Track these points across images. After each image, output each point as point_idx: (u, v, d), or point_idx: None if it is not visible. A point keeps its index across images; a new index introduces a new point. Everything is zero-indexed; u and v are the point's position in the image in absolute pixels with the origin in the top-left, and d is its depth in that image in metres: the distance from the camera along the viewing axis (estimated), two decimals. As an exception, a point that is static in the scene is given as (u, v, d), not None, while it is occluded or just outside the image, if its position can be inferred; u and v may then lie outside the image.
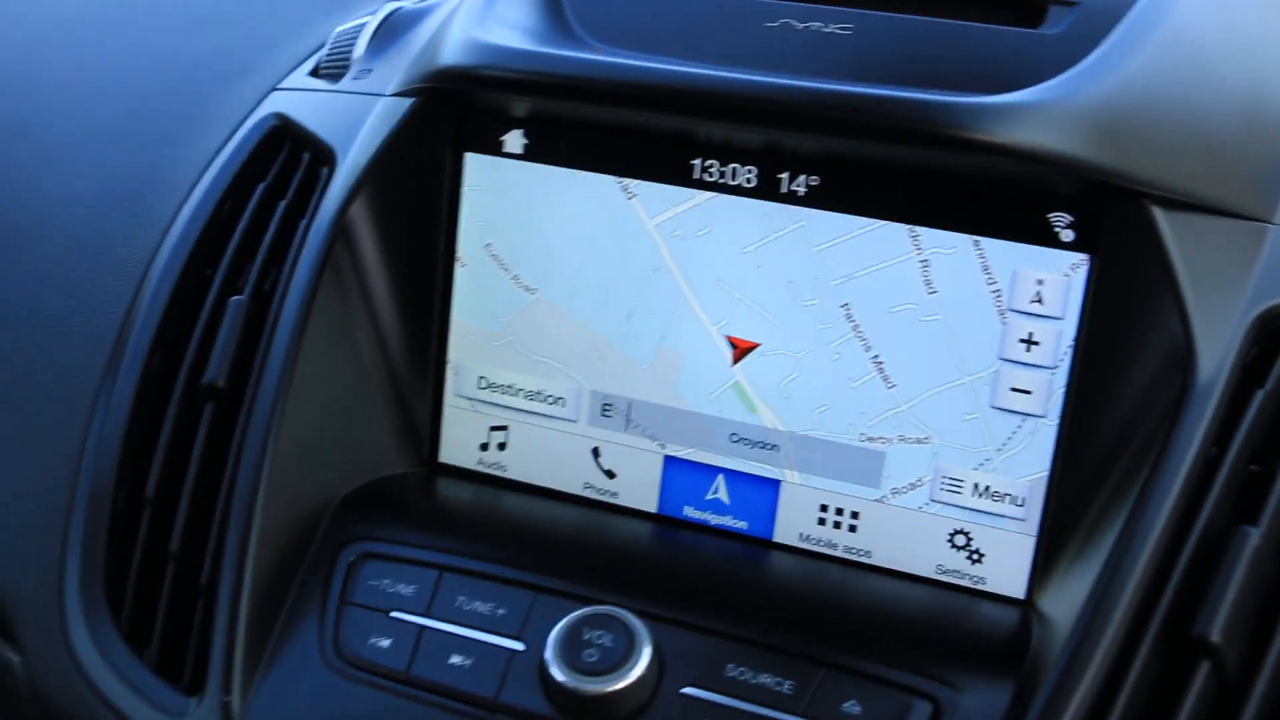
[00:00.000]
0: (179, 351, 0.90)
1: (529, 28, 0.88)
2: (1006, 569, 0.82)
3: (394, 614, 0.81)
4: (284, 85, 1.05)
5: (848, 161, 0.82)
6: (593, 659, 0.75)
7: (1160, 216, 0.76)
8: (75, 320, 0.95)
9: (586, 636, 0.76)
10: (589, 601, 0.78)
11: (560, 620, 0.77)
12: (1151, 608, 0.71)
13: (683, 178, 0.85)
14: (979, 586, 0.83)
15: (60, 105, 1.10)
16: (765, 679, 0.75)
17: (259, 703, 0.78)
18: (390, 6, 1.06)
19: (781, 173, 0.83)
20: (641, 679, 0.75)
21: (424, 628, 0.80)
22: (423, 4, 1.06)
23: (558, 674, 0.75)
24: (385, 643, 0.79)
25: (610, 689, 0.74)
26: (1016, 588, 0.82)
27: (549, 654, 0.76)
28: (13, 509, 0.90)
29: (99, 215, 1.00)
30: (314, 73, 1.06)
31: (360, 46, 1.03)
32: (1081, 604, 0.73)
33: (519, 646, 0.78)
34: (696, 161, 0.85)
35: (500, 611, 0.79)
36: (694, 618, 0.78)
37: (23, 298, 0.98)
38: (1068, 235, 0.79)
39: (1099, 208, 0.78)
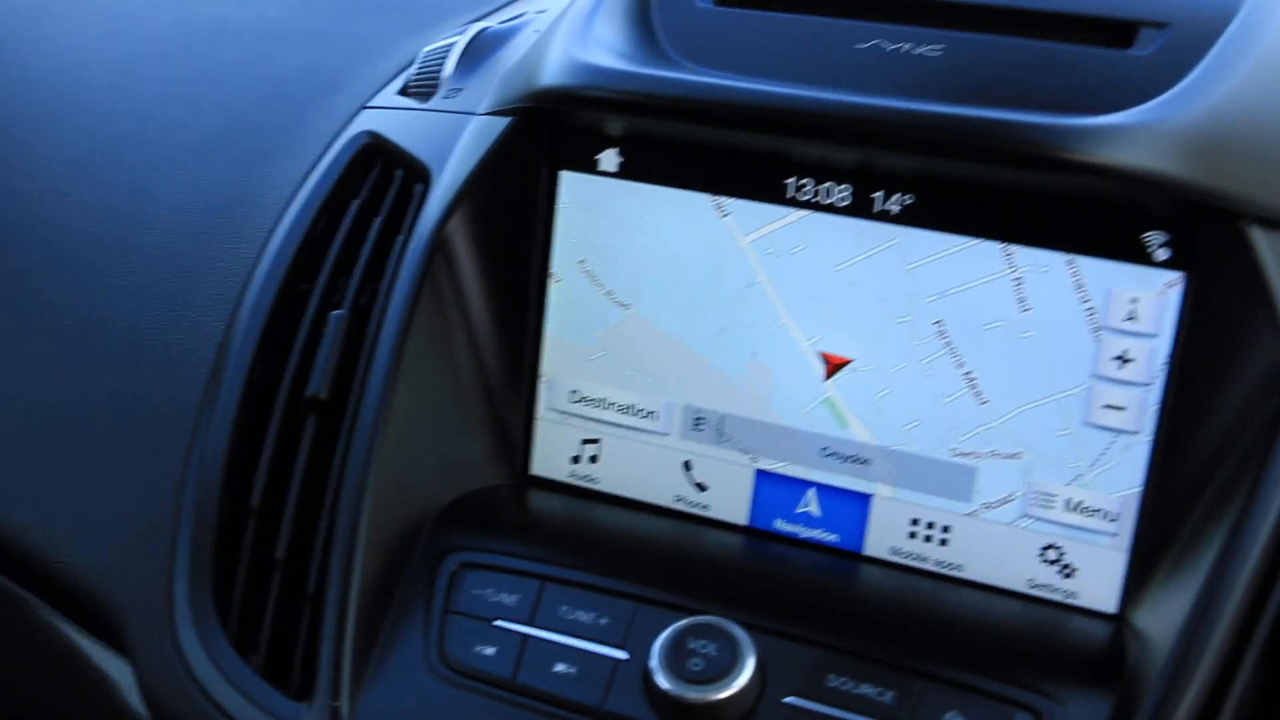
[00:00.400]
0: (279, 365, 0.92)
1: (622, 49, 0.90)
2: (1098, 584, 0.83)
3: (497, 623, 0.82)
4: (373, 104, 1.07)
5: (942, 181, 0.83)
6: (698, 668, 0.76)
7: (1258, 236, 0.77)
8: (176, 335, 0.97)
9: (691, 646, 0.77)
10: (690, 612, 0.80)
11: (663, 630, 0.78)
12: (1255, 622, 0.72)
13: (776, 196, 0.87)
14: (1071, 601, 0.83)
15: (154, 125, 1.12)
16: (866, 689, 0.76)
17: (366, 708, 0.80)
18: (477, 27, 1.08)
19: (875, 192, 0.85)
20: (746, 688, 0.76)
21: (528, 636, 0.81)
22: (508, 24, 1.08)
23: (663, 682, 0.76)
24: (490, 651, 0.81)
25: (715, 697, 0.75)
26: (1109, 603, 0.82)
27: (654, 662, 0.77)
28: (121, 521, 0.92)
29: (195, 232, 1.02)
30: (403, 91, 1.08)
31: (449, 66, 1.05)
32: (1180, 620, 0.74)
33: (623, 655, 0.80)
34: (790, 180, 0.86)
35: (603, 621, 0.81)
36: (794, 628, 0.79)
37: (124, 315, 1.00)
38: (1162, 254, 0.80)
39: (1194, 227, 0.79)
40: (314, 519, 0.86)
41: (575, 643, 0.80)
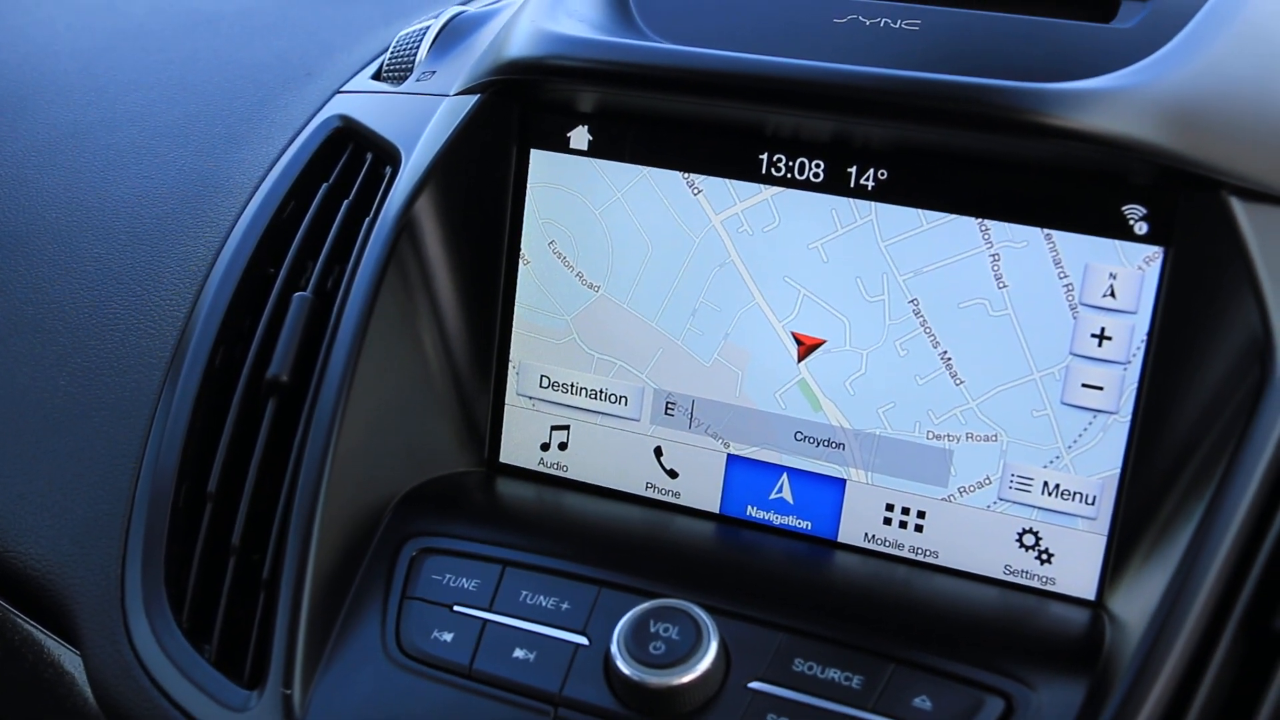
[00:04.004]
0: (241, 349, 0.90)
1: (595, 21, 0.88)
2: (1076, 569, 0.80)
3: (457, 608, 0.80)
4: (347, 88, 1.06)
5: (917, 154, 0.81)
6: (659, 651, 0.74)
7: (1238, 207, 0.75)
8: (138, 319, 0.95)
9: (653, 629, 0.74)
10: (653, 596, 0.77)
11: (625, 614, 0.76)
12: (1230, 603, 0.70)
13: (750, 172, 0.85)
14: (1048, 587, 0.81)
15: (126, 110, 1.11)
16: (834, 674, 0.74)
17: (320, 696, 0.78)
18: (452, 10, 1.06)
19: (850, 166, 0.83)
20: (709, 672, 0.73)
21: (487, 622, 0.79)
22: (484, 9, 1.06)
23: (623, 667, 0.74)
24: (448, 637, 0.79)
25: (677, 681, 0.73)
26: (1087, 588, 0.80)
27: (614, 647, 0.75)
28: (74, 505, 0.90)
29: (163, 216, 1.00)
30: (377, 76, 1.06)
31: (423, 49, 1.03)
32: (1156, 603, 0.72)
33: (583, 641, 0.77)
34: (764, 155, 0.84)
35: (564, 606, 0.78)
36: (760, 613, 0.77)
37: (86, 297, 0.98)
38: (1142, 228, 0.77)
39: (1174, 199, 0.76)
40: (271, 505, 0.84)
41: (535, 628, 0.78)
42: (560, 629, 0.78)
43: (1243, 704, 0.68)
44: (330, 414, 0.83)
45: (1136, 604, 0.75)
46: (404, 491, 0.87)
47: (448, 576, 0.81)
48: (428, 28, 1.05)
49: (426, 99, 0.96)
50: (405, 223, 0.87)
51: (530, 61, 0.85)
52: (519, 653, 0.77)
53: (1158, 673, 0.69)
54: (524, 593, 0.80)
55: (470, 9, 1.07)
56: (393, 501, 0.86)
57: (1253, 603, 0.70)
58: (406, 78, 1.02)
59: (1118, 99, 0.75)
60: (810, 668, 0.74)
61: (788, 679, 0.74)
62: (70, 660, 0.88)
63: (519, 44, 0.87)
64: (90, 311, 0.97)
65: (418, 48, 1.04)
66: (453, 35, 1.03)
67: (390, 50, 1.06)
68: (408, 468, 0.87)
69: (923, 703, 0.72)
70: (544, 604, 0.79)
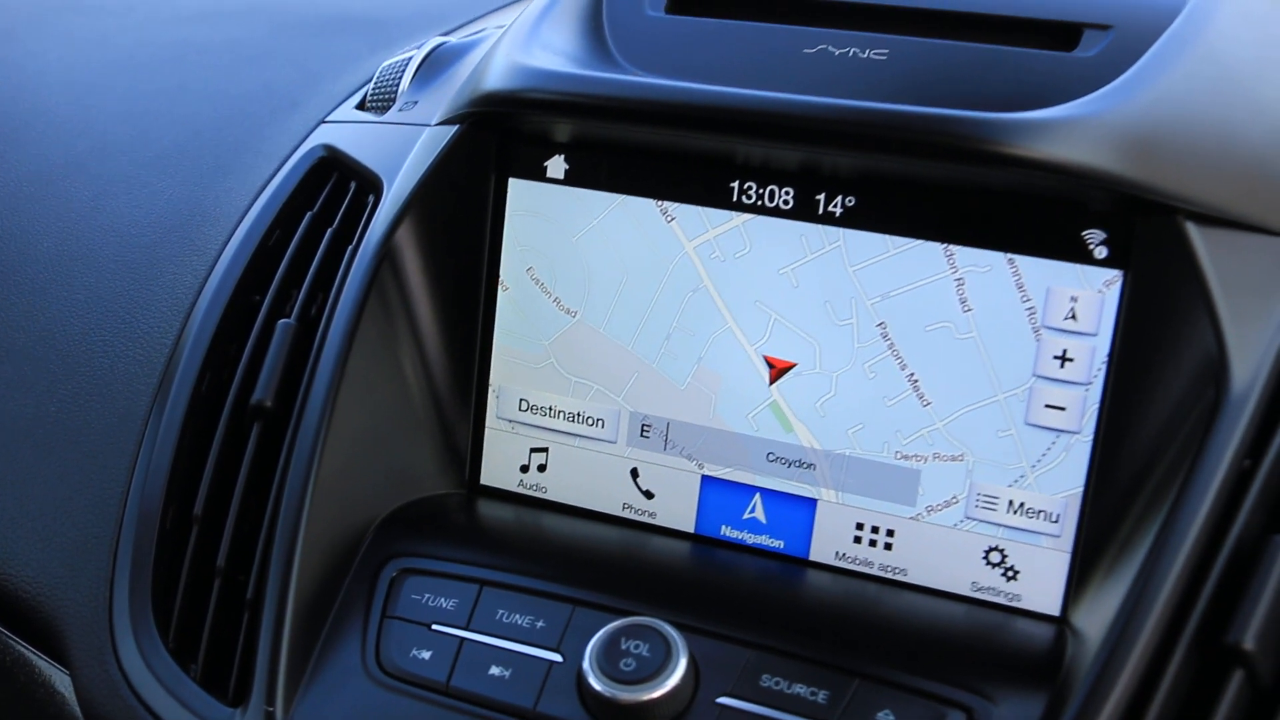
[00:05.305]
0: (227, 374, 0.92)
1: (571, 54, 0.90)
2: (1041, 586, 0.82)
3: (435, 627, 0.82)
4: (332, 118, 1.08)
5: (883, 181, 0.83)
6: (630, 668, 0.76)
7: (1193, 231, 0.77)
8: (127, 346, 0.97)
9: (624, 646, 0.76)
10: (626, 614, 0.79)
11: (597, 632, 0.77)
12: (1184, 618, 0.72)
13: (722, 200, 0.87)
14: (1014, 604, 0.83)
15: (116, 140, 1.13)
16: (800, 689, 0.76)
17: (302, 713, 0.80)
18: (435, 41, 1.09)
19: (819, 193, 0.85)
20: (678, 687, 0.75)
21: (464, 640, 0.81)
22: (466, 39, 1.08)
23: (595, 683, 0.76)
24: (426, 655, 0.81)
25: (646, 697, 0.75)
26: (1051, 604, 0.82)
27: (586, 664, 0.77)
28: (64, 526, 0.92)
29: (151, 244, 1.02)
30: (361, 106, 1.08)
31: (406, 80, 1.05)
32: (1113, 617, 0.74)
33: (557, 658, 0.79)
34: (735, 184, 0.86)
35: (539, 624, 0.80)
36: (729, 629, 0.79)
37: (77, 324, 1.00)
38: (1101, 252, 0.80)
39: (1131, 224, 0.79)
40: (256, 527, 0.86)
41: (511, 645, 0.80)
42: (535, 646, 0.80)
43: (1197, 717, 0.70)
44: (312, 438, 0.85)
45: (1097, 619, 0.77)
46: (386, 513, 0.89)
47: (426, 596, 0.83)
48: (410, 59, 1.07)
49: (408, 129, 0.98)
50: (386, 251, 0.90)
51: (505, 94, 0.88)
52: (495, 670, 0.79)
53: (1113, 685, 0.71)
54: (500, 611, 0.82)
55: (452, 40, 1.09)
56: (374, 523, 0.88)
57: (1206, 618, 0.72)
58: (389, 108, 1.05)
59: (1074, 128, 0.77)
60: (777, 683, 0.76)
61: (755, 694, 0.76)
62: (61, 680, 0.90)
63: (494, 77, 0.89)
64: (80, 338, 0.99)
65: (400, 78, 1.06)
66: (434, 66, 1.05)
67: (374, 80, 1.08)
68: (389, 490, 0.89)
69: (885, 716, 0.74)
70: (520, 622, 0.81)
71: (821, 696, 0.75)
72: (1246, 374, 0.76)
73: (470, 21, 1.24)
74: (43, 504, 0.94)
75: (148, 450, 0.91)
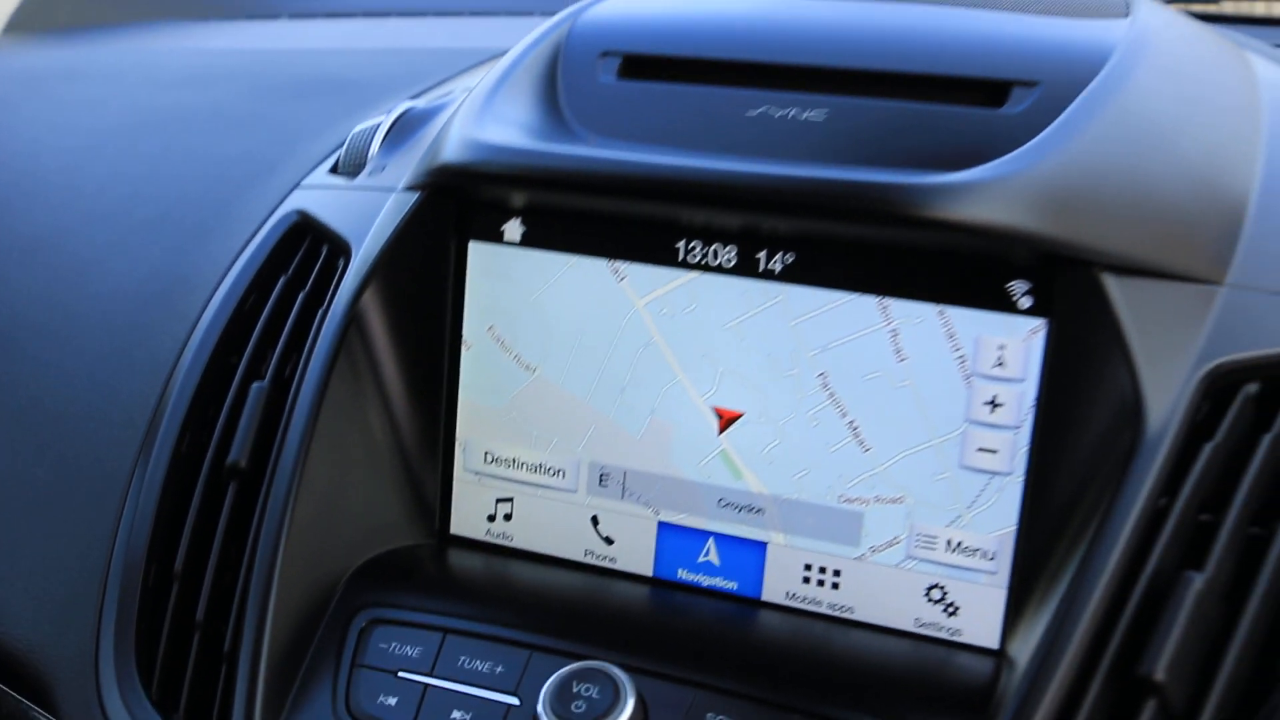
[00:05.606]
0: (206, 435, 0.97)
1: (525, 123, 0.95)
2: (980, 620, 0.86)
3: (400, 674, 0.86)
4: (306, 183, 1.12)
5: (820, 240, 0.88)
6: (580, 710, 0.80)
7: (1109, 282, 0.81)
8: (112, 411, 1.02)
9: (576, 689, 0.81)
10: (581, 658, 0.84)
11: (551, 675, 0.82)
12: (1102, 649, 0.76)
13: (668, 259, 0.91)
14: (955, 638, 0.87)
15: (100, 210, 1.18)
16: None
17: (276, 759, 0.84)
18: (403, 106, 1.13)
19: (759, 252, 0.89)
20: (625, 727, 0.80)
21: (428, 686, 0.85)
22: (432, 104, 1.13)
23: (548, 726, 0.80)
24: (392, 701, 0.85)
25: (596, 738, 0.79)
26: (990, 638, 0.86)
27: (540, 707, 0.81)
28: (53, 584, 0.97)
29: (133, 312, 1.07)
30: (334, 170, 1.13)
31: (375, 144, 1.10)
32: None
33: (514, 701, 0.83)
34: (681, 243, 0.91)
35: (499, 670, 0.85)
36: (678, 670, 0.83)
37: (64, 390, 1.05)
38: (1025, 302, 0.84)
39: (1052, 276, 0.83)
40: (233, 582, 0.90)
41: (471, 690, 0.84)
42: (494, 691, 0.84)
43: None
44: (283, 497, 0.90)
45: (1029, 649, 0.81)
46: (357, 565, 0.93)
47: (394, 644, 0.88)
48: (379, 124, 1.12)
49: (376, 194, 1.03)
50: (353, 315, 0.94)
51: (459, 167, 0.92)
52: (456, 714, 0.84)
53: (1034, 712, 0.75)
54: (462, 658, 0.86)
55: (419, 104, 1.14)
56: (346, 575, 0.92)
57: (1122, 648, 0.76)
58: (359, 172, 1.09)
59: (991, 190, 0.81)
60: None
61: None
62: (51, 728, 0.95)
63: (450, 149, 0.93)
64: (68, 403, 1.04)
65: (370, 143, 1.10)
66: (402, 131, 1.10)
67: (345, 146, 1.13)
68: (361, 543, 0.94)
69: None
70: (480, 668, 0.85)
71: (762, 733, 0.80)
72: (1161, 417, 0.80)
73: (441, 83, 1.28)
74: (32, 563, 0.98)
75: (130, 510, 0.96)
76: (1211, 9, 1.81)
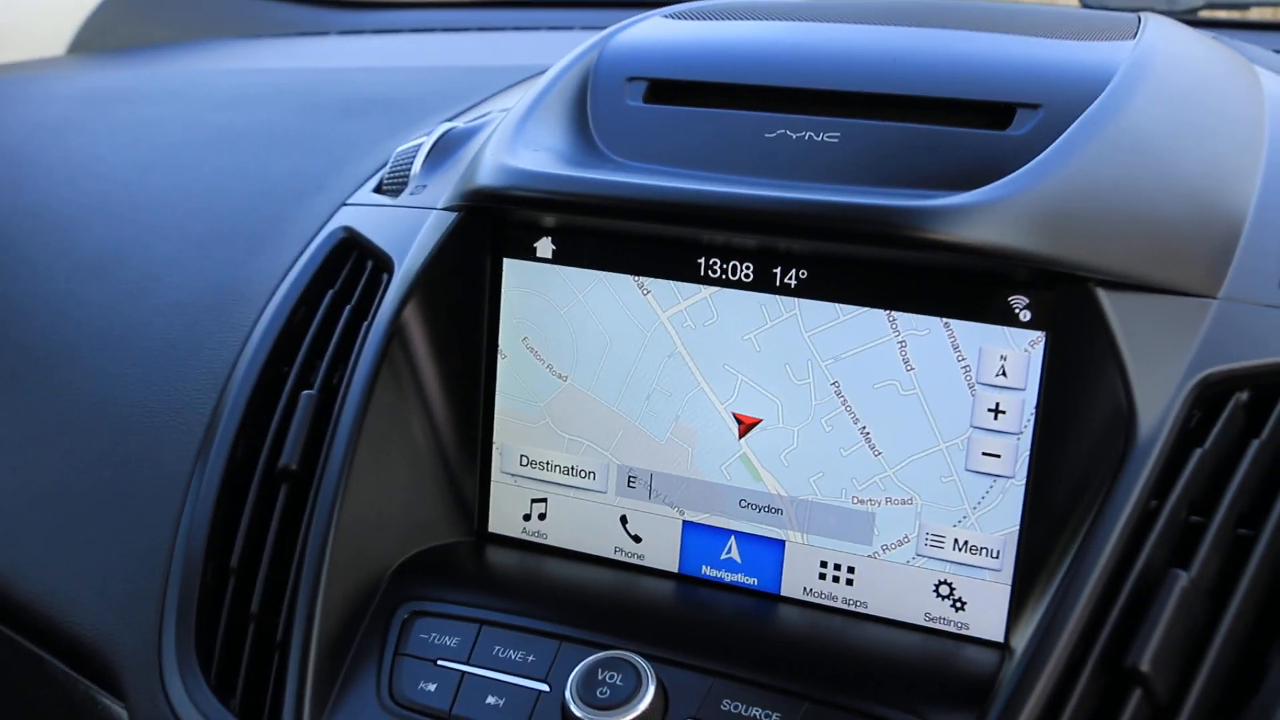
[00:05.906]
0: (259, 441, 1.03)
1: (555, 146, 1.01)
2: (986, 614, 0.91)
3: (440, 662, 0.93)
4: (352, 201, 1.19)
5: (831, 257, 0.93)
6: (605, 696, 0.86)
7: (1104, 297, 0.86)
8: (171, 416, 1.09)
9: (601, 676, 0.87)
10: (607, 648, 0.90)
11: (578, 664, 0.88)
12: (1092, 641, 0.81)
13: (690, 274, 0.97)
14: (962, 631, 0.92)
15: (158, 226, 1.25)
16: (755, 711, 0.86)
17: (324, 741, 0.91)
18: (444, 127, 1.19)
19: (775, 268, 0.95)
20: (647, 712, 0.86)
21: (465, 673, 0.91)
22: (471, 124, 1.19)
23: (575, 710, 0.86)
24: (432, 687, 0.91)
25: (620, 721, 0.85)
26: (996, 631, 0.91)
27: (568, 693, 0.87)
28: (118, 579, 1.04)
29: (190, 324, 1.14)
30: (378, 189, 1.19)
31: (417, 164, 1.16)
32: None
33: (544, 688, 0.89)
34: (701, 260, 0.96)
35: (530, 658, 0.91)
36: (697, 660, 0.89)
37: (127, 397, 1.12)
38: (1025, 315, 0.89)
39: (1051, 291, 0.88)
40: (285, 577, 0.97)
41: (505, 678, 0.91)
42: (526, 678, 0.90)
43: None
44: (332, 497, 0.96)
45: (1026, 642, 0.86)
46: (400, 561, 0.99)
47: (433, 635, 0.94)
48: (421, 144, 1.18)
49: (417, 212, 1.09)
50: (396, 328, 1.00)
51: (492, 191, 0.98)
52: (491, 699, 0.90)
53: (1025, 700, 0.80)
54: (497, 647, 0.92)
55: (459, 124, 1.20)
56: (390, 570, 0.99)
57: (1111, 641, 0.81)
58: (402, 191, 1.15)
59: (991, 211, 0.85)
60: (736, 707, 0.86)
61: (716, 718, 0.86)
62: (119, 714, 1.02)
63: (484, 173, 0.99)
64: (130, 410, 1.11)
65: (412, 163, 1.17)
66: (442, 151, 1.16)
67: (389, 165, 1.19)
68: (404, 540, 1.00)
69: None
70: (513, 657, 0.91)
71: (774, 718, 0.85)
72: (1152, 424, 0.85)
73: (480, 102, 1.35)
74: (99, 559, 1.05)
75: (190, 510, 1.03)
76: (1237, 15, 1.86)
